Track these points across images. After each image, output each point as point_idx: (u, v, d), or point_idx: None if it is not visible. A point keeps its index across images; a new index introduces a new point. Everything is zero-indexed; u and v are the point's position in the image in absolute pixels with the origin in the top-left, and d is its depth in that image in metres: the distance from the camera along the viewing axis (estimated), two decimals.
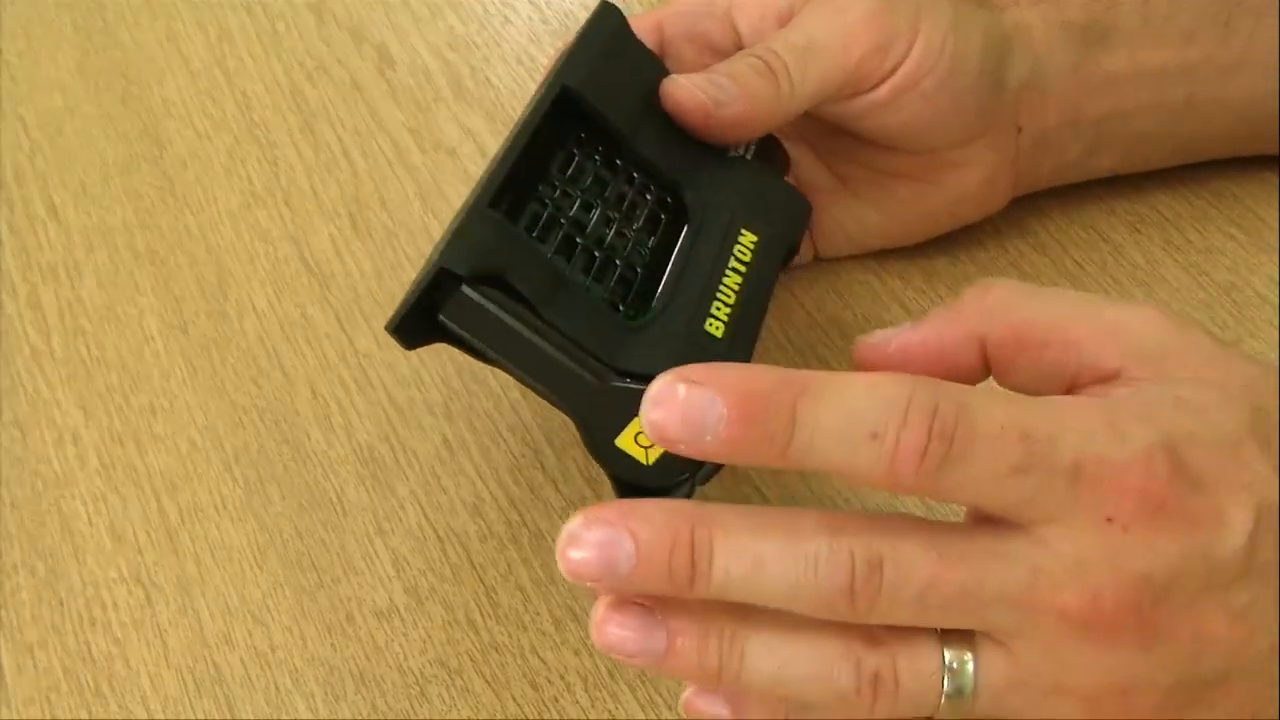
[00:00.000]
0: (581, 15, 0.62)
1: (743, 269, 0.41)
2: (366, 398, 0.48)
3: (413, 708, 0.40)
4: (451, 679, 0.41)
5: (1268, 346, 0.47)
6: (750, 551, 0.30)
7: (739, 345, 0.39)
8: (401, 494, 0.45)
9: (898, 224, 0.49)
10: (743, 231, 0.42)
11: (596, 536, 0.31)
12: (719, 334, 0.39)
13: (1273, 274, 0.49)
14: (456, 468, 0.46)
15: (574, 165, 0.42)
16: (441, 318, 0.37)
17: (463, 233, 0.37)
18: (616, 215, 0.42)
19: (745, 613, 0.32)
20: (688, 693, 0.34)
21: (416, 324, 0.37)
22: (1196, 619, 0.31)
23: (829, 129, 0.48)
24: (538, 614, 0.42)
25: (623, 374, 0.36)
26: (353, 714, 0.40)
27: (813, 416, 0.29)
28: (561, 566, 0.31)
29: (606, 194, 0.42)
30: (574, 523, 0.31)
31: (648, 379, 0.31)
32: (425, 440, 0.47)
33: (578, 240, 0.40)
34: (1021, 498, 0.30)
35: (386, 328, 0.38)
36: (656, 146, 0.43)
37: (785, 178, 0.47)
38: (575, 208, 0.41)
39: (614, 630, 0.32)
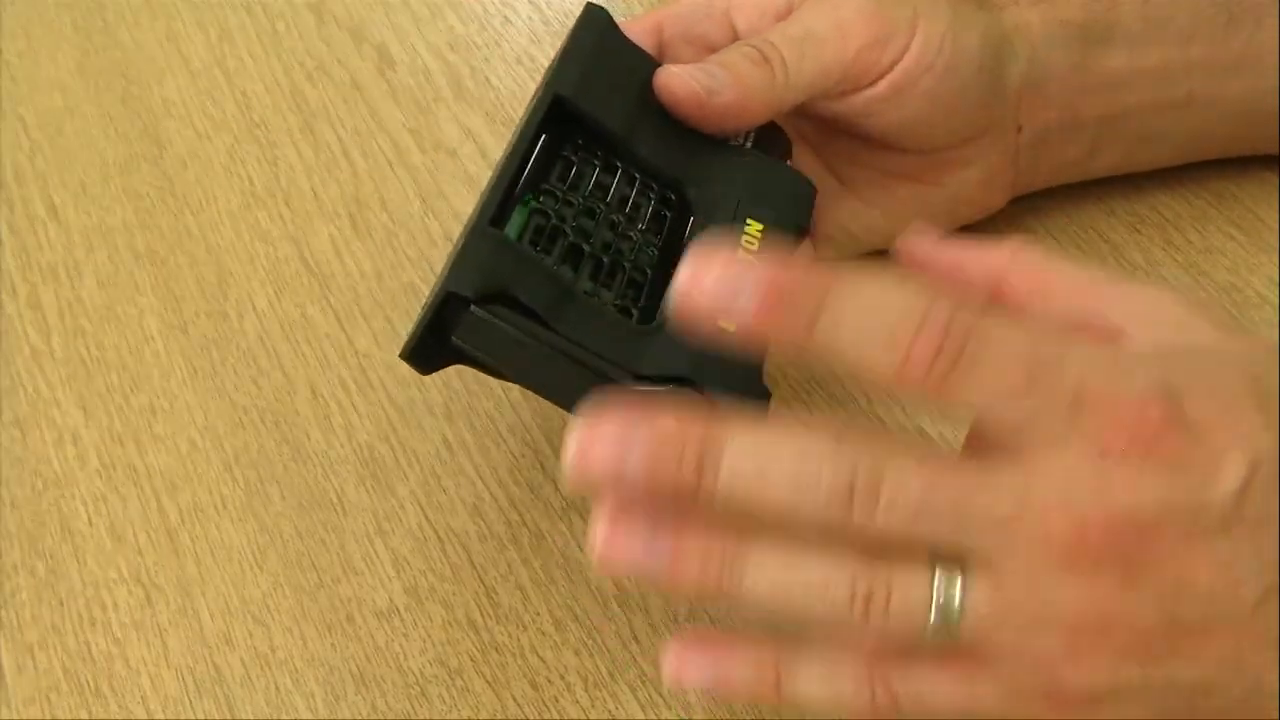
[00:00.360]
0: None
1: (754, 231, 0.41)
2: (366, 398, 0.48)
3: (413, 708, 0.40)
4: (451, 679, 0.41)
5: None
6: (756, 453, 0.31)
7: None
8: (401, 494, 0.45)
9: (899, 223, 0.49)
10: (749, 221, 0.42)
11: (607, 431, 0.31)
12: (733, 327, 0.39)
13: (1272, 274, 0.49)
14: (456, 468, 0.46)
15: (573, 172, 0.42)
16: (455, 340, 0.37)
17: (466, 254, 0.37)
18: (621, 218, 0.42)
19: (745, 529, 0.32)
20: (670, 668, 0.34)
21: (430, 348, 0.38)
22: (1180, 561, 0.31)
23: (830, 130, 0.48)
24: (538, 614, 0.42)
25: (641, 378, 0.36)
26: (353, 714, 0.40)
27: (839, 305, 0.30)
28: (570, 460, 0.31)
29: (609, 198, 0.42)
30: (585, 422, 0.31)
31: (667, 380, 0.31)
32: (425, 440, 0.47)
33: (584, 248, 0.40)
34: (1021, 418, 0.31)
35: (401, 355, 0.38)
36: (655, 145, 0.43)
37: (788, 162, 0.47)
38: (578, 215, 0.41)
39: (620, 539, 0.31)
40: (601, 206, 0.42)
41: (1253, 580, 0.31)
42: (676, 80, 0.43)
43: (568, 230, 0.40)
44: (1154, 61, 0.47)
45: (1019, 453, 0.31)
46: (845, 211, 0.49)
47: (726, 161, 0.44)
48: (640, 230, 0.42)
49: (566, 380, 0.37)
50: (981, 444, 0.32)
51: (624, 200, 0.42)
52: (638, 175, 0.43)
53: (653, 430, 0.31)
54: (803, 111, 0.46)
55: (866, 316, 0.30)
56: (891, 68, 0.44)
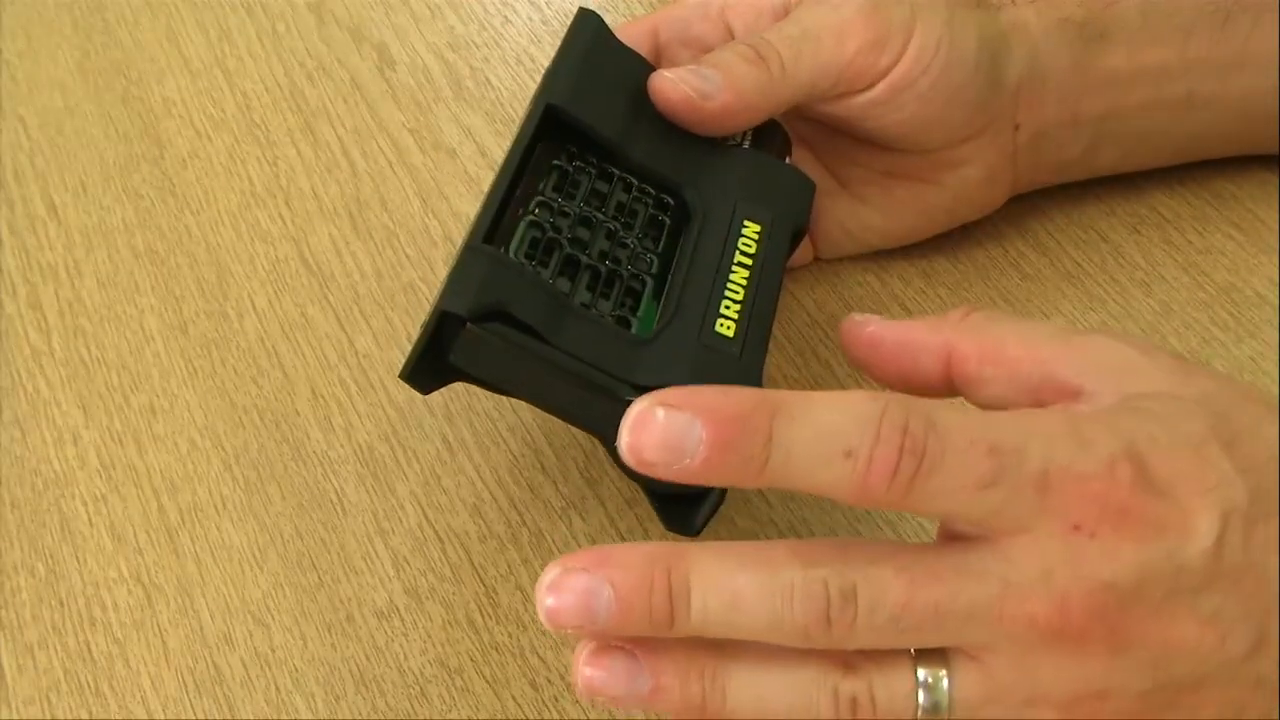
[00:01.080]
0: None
1: (749, 261, 0.41)
2: (366, 398, 0.48)
3: (413, 708, 0.40)
4: (451, 679, 0.41)
5: (1268, 347, 0.47)
6: (726, 588, 0.31)
7: (752, 342, 0.39)
8: (401, 494, 0.45)
9: (898, 223, 0.49)
10: (745, 223, 0.42)
11: (575, 584, 0.31)
12: (730, 333, 0.39)
13: (1272, 274, 0.49)
14: (456, 468, 0.46)
15: (568, 181, 0.42)
16: (452, 359, 0.37)
17: (461, 273, 0.37)
18: (617, 226, 0.42)
19: (724, 647, 0.32)
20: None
21: (429, 368, 0.38)
22: (1165, 624, 0.31)
23: (828, 131, 0.48)
24: (538, 614, 0.42)
25: (640, 388, 0.36)
26: (353, 714, 0.40)
27: (788, 436, 0.30)
28: (541, 615, 0.31)
29: (605, 205, 0.42)
30: (551, 573, 0.31)
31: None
32: (425, 440, 0.47)
33: (580, 258, 0.40)
34: (991, 509, 0.31)
35: (400, 376, 0.38)
36: (650, 149, 0.43)
37: (787, 159, 0.47)
38: (575, 225, 0.41)
39: (599, 674, 0.32)
40: (598, 215, 0.42)
41: (1240, 630, 0.31)
42: (669, 85, 0.43)
43: (564, 241, 0.40)
44: (1153, 59, 0.47)
45: (993, 541, 0.31)
46: (844, 210, 0.49)
47: (723, 162, 0.44)
48: (638, 237, 0.42)
49: (566, 394, 0.37)
50: (954, 524, 0.32)
51: (621, 207, 0.42)
52: (634, 181, 0.43)
53: (615, 585, 0.31)
54: (799, 113, 0.46)
55: (818, 441, 0.30)
56: (888, 71, 0.44)
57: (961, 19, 0.45)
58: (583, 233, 0.41)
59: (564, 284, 0.39)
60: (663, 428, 0.30)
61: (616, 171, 0.43)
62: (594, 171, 0.43)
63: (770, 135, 0.46)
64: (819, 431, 0.30)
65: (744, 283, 0.40)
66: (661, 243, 0.42)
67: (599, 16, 0.45)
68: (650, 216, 0.43)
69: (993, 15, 0.47)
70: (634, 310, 0.40)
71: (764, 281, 0.41)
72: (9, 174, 0.57)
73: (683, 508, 0.38)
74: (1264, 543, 0.32)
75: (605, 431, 0.37)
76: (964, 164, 0.47)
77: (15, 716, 0.41)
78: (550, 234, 0.40)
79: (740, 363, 0.38)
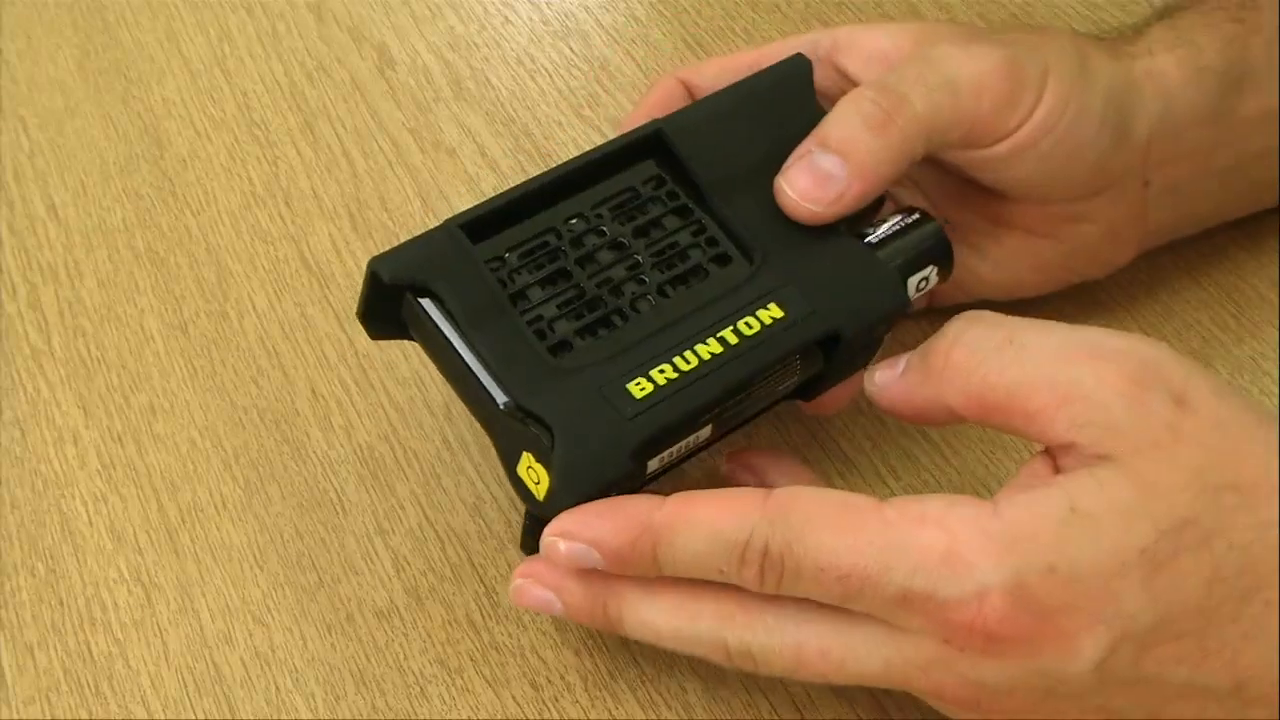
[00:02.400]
0: (581, 15, 0.62)
1: (735, 340, 0.38)
2: (366, 398, 0.48)
3: (413, 708, 0.40)
4: (451, 679, 0.41)
5: (1268, 346, 0.47)
6: (685, 556, 0.35)
7: (654, 415, 0.37)
8: (401, 494, 0.45)
9: (1008, 275, 0.46)
10: (770, 305, 0.39)
11: (531, 597, 0.37)
12: (640, 394, 0.37)
13: (1272, 274, 0.49)
14: (456, 468, 0.46)
15: (633, 205, 0.41)
16: (402, 316, 0.39)
17: (412, 241, 0.39)
18: (650, 261, 0.40)
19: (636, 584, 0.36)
20: (515, 583, 0.38)
21: (382, 318, 0.40)
22: (1050, 709, 0.33)
23: (939, 172, 0.45)
24: (538, 614, 0.42)
25: (515, 407, 0.37)
26: (353, 714, 0.40)
27: (670, 559, 0.35)
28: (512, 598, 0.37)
29: (656, 241, 0.41)
30: (515, 582, 0.37)
31: (539, 421, 0.36)
32: (425, 440, 0.47)
33: (573, 275, 0.40)
34: (860, 611, 0.33)
35: (357, 314, 0.40)
36: (745, 206, 0.41)
37: (886, 209, 0.44)
38: (599, 246, 0.40)
39: (527, 587, 0.38)
40: (636, 244, 0.41)
41: (1137, 713, 0.33)
42: (793, 204, 0.41)
43: (566, 253, 0.40)
44: (1204, 108, 0.45)
45: (885, 626, 0.34)
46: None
47: (815, 244, 0.41)
48: (668, 280, 0.40)
49: (463, 386, 0.38)
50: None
51: (674, 247, 0.41)
52: (711, 228, 0.41)
53: (566, 603, 0.37)
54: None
55: (694, 563, 0.35)
56: (1016, 130, 0.42)
57: (1092, 71, 0.43)
58: (606, 256, 0.40)
59: (537, 293, 0.39)
60: (566, 556, 0.35)
61: (699, 213, 0.41)
62: (669, 205, 0.41)
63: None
64: (693, 556, 0.35)
65: (706, 356, 0.38)
66: (690, 289, 0.40)
67: (807, 65, 0.43)
68: (699, 267, 0.41)
69: (1126, 65, 0.44)
70: (591, 338, 0.39)
71: (735, 367, 0.38)
72: (9, 174, 0.57)
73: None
74: (1171, 658, 0.32)
75: (490, 432, 0.38)
76: (1083, 220, 0.45)
77: (15, 716, 0.41)
78: (560, 244, 0.40)
79: (623, 424, 0.37)
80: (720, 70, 0.46)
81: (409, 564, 0.43)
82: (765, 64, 0.45)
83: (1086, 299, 0.48)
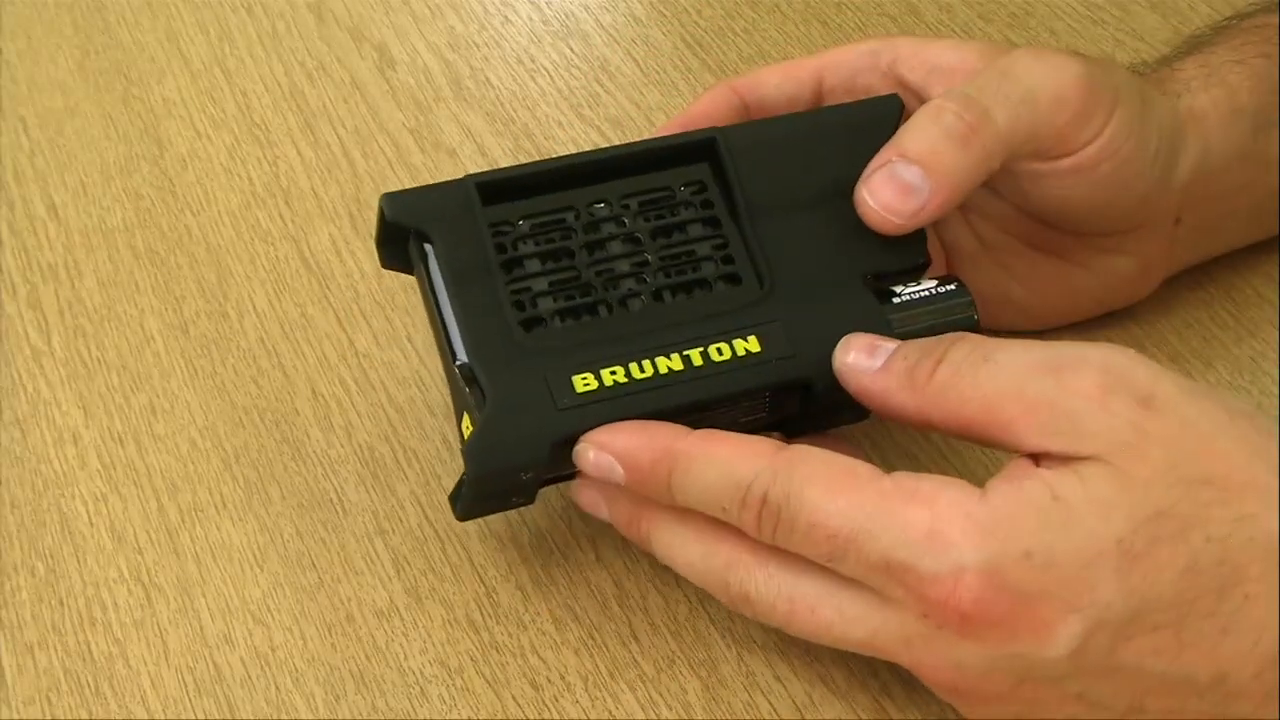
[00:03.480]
0: (581, 15, 0.62)
1: (699, 363, 0.38)
2: (366, 398, 0.48)
3: (413, 708, 0.40)
4: (451, 679, 0.41)
5: (1268, 346, 0.47)
6: (695, 487, 0.37)
7: (585, 413, 0.38)
8: (401, 494, 0.45)
9: (1041, 301, 0.46)
10: (749, 337, 0.39)
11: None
12: (581, 389, 0.38)
13: (1272, 274, 0.49)
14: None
15: (663, 205, 0.41)
16: (410, 253, 0.41)
17: (429, 189, 0.40)
18: (658, 263, 0.40)
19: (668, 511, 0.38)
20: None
21: (391, 249, 0.41)
22: (1028, 693, 0.34)
23: (981, 192, 0.44)
24: (538, 614, 0.42)
25: (463, 367, 0.38)
26: (353, 714, 0.40)
27: (682, 487, 0.36)
28: (584, 463, 0.38)
29: (671, 240, 0.40)
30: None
31: (481, 390, 0.38)
32: (425, 440, 0.47)
33: (575, 257, 0.40)
34: (848, 575, 0.35)
35: (374, 240, 0.41)
36: (776, 234, 0.40)
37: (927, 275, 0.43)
38: (614, 238, 0.40)
39: (588, 497, 0.40)
40: (650, 243, 0.40)
41: (1114, 706, 0.34)
42: (876, 216, 0.40)
43: (577, 234, 0.40)
44: (1234, 147, 0.45)
45: (873, 594, 0.35)
46: (984, 278, 0.45)
47: (829, 289, 0.40)
48: (667, 286, 0.40)
49: (436, 333, 0.40)
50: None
51: (689, 255, 0.40)
52: (736, 245, 0.41)
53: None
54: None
55: (702, 495, 0.36)
56: (1084, 146, 0.41)
57: (1152, 104, 0.43)
58: (616, 247, 0.40)
59: (534, 265, 0.40)
60: (593, 465, 0.37)
61: (728, 229, 0.41)
62: (700, 213, 0.41)
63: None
64: (703, 489, 0.36)
65: (660, 369, 0.38)
66: (690, 299, 0.40)
67: (898, 109, 0.42)
68: (705, 281, 0.40)
69: (1174, 102, 0.44)
70: (570, 321, 0.39)
71: (686, 389, 0.38)
72: (9, 174, 0.57)
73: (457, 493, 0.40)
74: (1148, 649, 0.33)
75: (450, 386, 0.40)
76: (1117, 253, 0.45)
77: (15, 716, 0.41)
78: (574, 225, 0.40)
79: (553, 414, 0.37)
80: (782, 79, 0.45)
81: (409, 564, 0.43)
82: (827, 73, 0.45)
83: None
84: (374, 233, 0.41)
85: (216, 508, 0.45)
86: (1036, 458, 0.34)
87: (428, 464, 0.46)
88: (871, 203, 0.40)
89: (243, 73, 0.60)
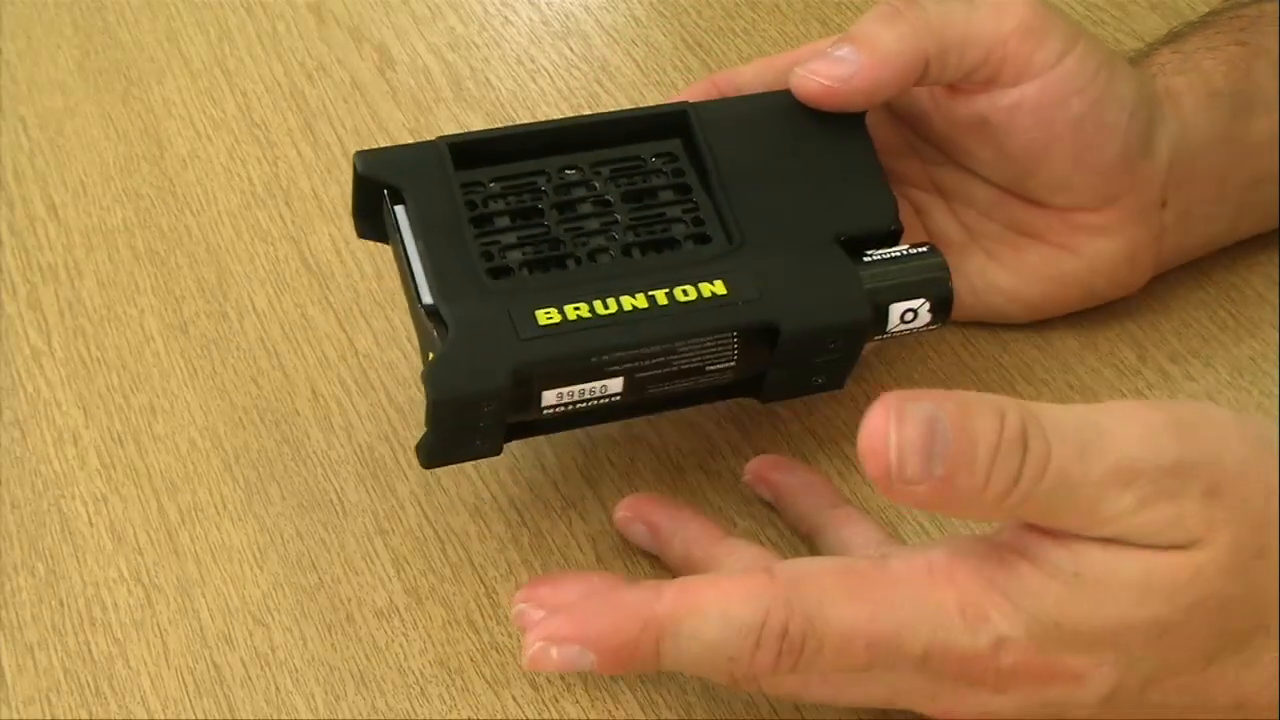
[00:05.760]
0: (581, 15, 0.62)
1: (664, 301, 0.39)
2: (366, 398, 0.48)
3: (413, 708, 0.40)
4: (451, 679, 0.41)
5: (1268, 346, 0.47)
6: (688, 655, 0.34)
7: (548, 344, 0.38)
8: (401, 494, 0.45)
9: (1029, 288, 0.46)
10: (715, 280, 0.39)
11: (558, 657, 0.35)
12: (544, 321, 0.38)
13: (1272, 274, 0.49)
14: (456, 468, 0.46)
15: (634, 171, 0.42)
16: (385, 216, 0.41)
17: (398, 147, 0.42)
18: (627, 223, 0.41)
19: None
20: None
21: (367, 217, 0.42)
22: None
23: (960, 175, 0.46)
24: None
25: (436, 315, 0.39)
26: (353, 714, 0.40)
27: (674, 653, 0.33)
28: (524, 659, 0.35)
29: (642, 204, 0.41)
30: (533, 641, 0.35)
31: (443, 326, 0.38)
32: None
33: (542, 215, 0.40)
34: (890, 673, 0.33)
35: (351, 211, 0.42)
36: (748, 203, 0.41)
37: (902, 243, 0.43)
38: (586, 200, 0.41)
39: (542, 651, 0.35)
40: (621, 207, 0.41)
41: None
42: (802, 80, 0.42)
43: (546, 196, 0.41)
44: (1219, 130, 0.45)
45: None
46: (973, 267, 0.46)
47: (799, 244, 0.41)
48: (635, 244, 0.41)
49: (405, 284, 0.40)
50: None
51: (659, 218, 0.41)
52: (707, 210, 0.41)
53: (599, 647, 0.34)
54: (943, 117, 0.44)
55: (704, 654, 0.33)
56: (1043, 72, 0.42)
57: (1122, 66, 0.43)
58: (585, 208, 0.41)
59: (504, 221, 0.40)
60: (559, 662, 0.34)
61: (698, 196, 0.41)
62: (671, 180, 0.42)
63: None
64: (705, 646, 0.33)
65: (624, 306, 0.38)
66: (645, 256, 0.41)
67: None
68: (674, 240, 0.41)
69: (1150, 77, 0.45)
70: (538, 272, 0.40)
71: (650, 325, 0.38)
72: (9, 174, 0.57)
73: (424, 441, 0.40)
74: (1175, 689, 0.33)
75: (417, 331, 0.40)
76: (1102, 233, 0.45)
77: (15, 716, 0.41)
78: (544, 187, 0.41)
79: (515, 343, 0.38)
80: (760, 70, 0.46)
81: (409, 564, 0.44)
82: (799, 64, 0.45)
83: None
84: (352, 201, 0.41)
85: (216, 508, 0.45)
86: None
87: None
88: (803, 71, 0.42)
89: (243, 73, 0.60)
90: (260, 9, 0.63)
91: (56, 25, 0.63)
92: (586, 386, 0.39)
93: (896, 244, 0.42)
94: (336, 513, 0.45)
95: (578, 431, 0.46)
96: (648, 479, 0.45)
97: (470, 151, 0.41)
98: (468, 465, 0.46)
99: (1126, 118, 0.43)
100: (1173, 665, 0.32)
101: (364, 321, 0.50)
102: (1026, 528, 0.33)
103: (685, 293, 0.39)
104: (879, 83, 0.41)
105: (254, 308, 0.51)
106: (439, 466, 0.43)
